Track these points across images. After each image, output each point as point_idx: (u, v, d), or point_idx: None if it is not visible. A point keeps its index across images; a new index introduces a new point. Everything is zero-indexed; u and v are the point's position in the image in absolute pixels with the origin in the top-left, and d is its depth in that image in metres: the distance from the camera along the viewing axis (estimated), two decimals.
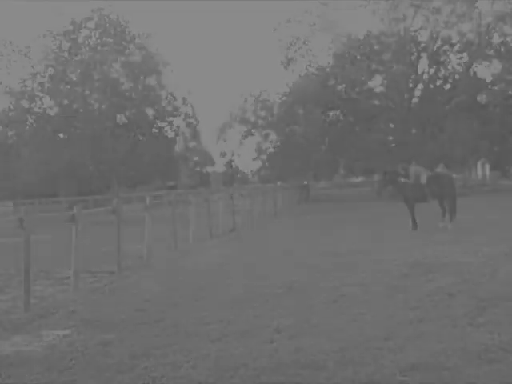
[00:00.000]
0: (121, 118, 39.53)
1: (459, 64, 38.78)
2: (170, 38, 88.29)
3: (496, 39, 37.33)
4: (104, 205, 32.74)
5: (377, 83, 40.34)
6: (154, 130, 41.29)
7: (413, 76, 37.79)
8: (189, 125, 42.80)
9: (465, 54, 38.06)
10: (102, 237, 17.46)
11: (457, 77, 38.11)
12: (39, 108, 39.03)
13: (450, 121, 35.69)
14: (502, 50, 36.63)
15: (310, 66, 41.18)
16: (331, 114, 39.85)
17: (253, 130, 41.69)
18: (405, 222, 15.05)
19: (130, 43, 38.75)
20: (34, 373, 4.71)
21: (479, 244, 10.84)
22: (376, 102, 40.73)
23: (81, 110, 38.08)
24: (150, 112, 40.60)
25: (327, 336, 5.25)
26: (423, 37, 38.74)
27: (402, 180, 14.85)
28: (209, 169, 75.90)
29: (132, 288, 8.42)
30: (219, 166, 70.08)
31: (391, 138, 39.76)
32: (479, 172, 56.70)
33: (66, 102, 38.07)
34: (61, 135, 39.43)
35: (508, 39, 36.93)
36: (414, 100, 39.59)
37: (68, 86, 37.69)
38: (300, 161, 39.43)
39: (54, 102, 38.81)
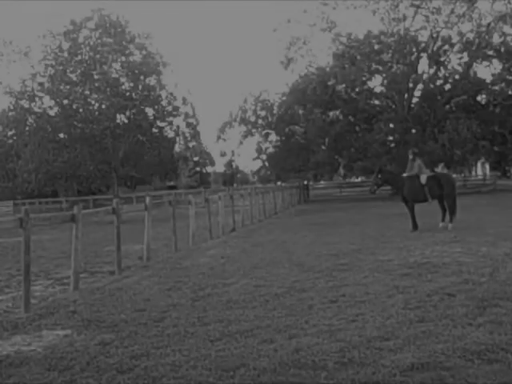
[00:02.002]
0: (121, 118, 39.51)
1: (459, 64, 38.76)
2: (170, 38, 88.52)
3: (496, 39, 37.31)
4: (104, 205, 32.79)
5: (377, 83, 40.37)
6: (154, 129, 41.25)
7: (413, 76, 37.75)
8: (189, 125, 42.75)
9: (465, 54, 38.02)
10: (102, 237, 17.48)
11: (457, 77, 38.07)
12: (39, 108, 38.99)
13: (450, 121, 35.68)
14: (502, 50, 36.58)
15: (309, 65, 41.19)
16: (331, 114, 39.80)
17: (253, 130, 41.66)
18: (405, 222, 15.06)
19: (130, 43, 38.69)
20: (33, 373, 4.71)
21: (479, 244, 10.85)
22: (376, 102, 40.72)
23: (81, 110, 38.05)
24: (150, 112, 40.57)
25: (327, 336, 5.25)
26: (423, 37, 38.77)
27: (404, 175, 14.84)
28: (209, 169, 76.03)
29: (132, 288, 8.42)
30: (219, 166, 70.15)
31: (391, 137, 39.73)
32: (479, 172, 56.72)
33: (66, 101, 38.04)
34: (61, 135, 39.39)
35: (508, 39, 36.88)
36: (414, 100, 39.58)
37: (68, 86, 37.63)
38: (300, 161, 39.40)
39: (54, 102, 38.78)
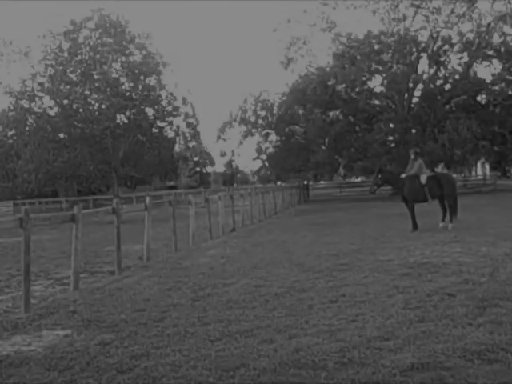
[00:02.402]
0: (121, 118, 39.51)
1: (459, 64, 38.77)
2: (170, 38, 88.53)
3: (496, 39, 37.33)
4: (104, 205, 32.80)
5: (377, 83, 40.37)
6: (154, 129, 41.26)
7: (413, 76, 37.75)
8: (189, 125, 42.76)
9: (465, 54, 38.04)
10: (102, 237, 17.48)
11: (457, 77, 38.08)
12: (39, 108, 39.00)
13: (450, 121, 35.68)
14: (502, 50, 36.60)
15: (310, 66, 41.19)
16: (331, 114, 39.81)
17: (253, 130, 41.65)
18: (405, 222, 15.05)
19: (130, 43, 38.69)
20: (34, 373, 4.71)
21: (479, 244, 10.85)
22: (376, 102, 40.73)
23: (81, 110, 38.05)
24: (150, 112, 40.58)
25: (327, 336, 5.25)
26: (423, 37, 38.78)
27: (402, 176, 14.83)
28: (209, 169, 76.03)
29: (132, 288, 8.42)
30: (219, 166, 70.15)
31: (391, 137, 39.74)
32: (479, 172, 56.72)
33: (66, 101, 38.04)
34: (61, 135, 39.39)
35: (508, 39, 36.90)
36: (414, 100, 39.59)
37: (68, 86, 37.64)
38: (300, 161, 39.40)
39: (54, 102, 38.79)
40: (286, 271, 9.08)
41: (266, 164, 43.46)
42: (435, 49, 37.93)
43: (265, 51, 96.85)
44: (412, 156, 15.11)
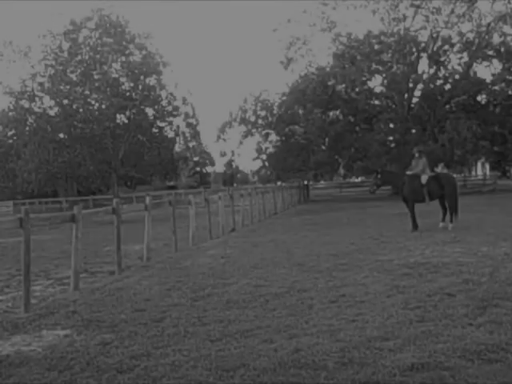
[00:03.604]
0: (121, 118, 39.50)
1: (459, 64, 38.78)
2: (170, 38, 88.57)
3: (496, 39, 37.35)
4: (104, 205, 32.81)
5: (377, 83, 40.37)
6: (153, 129, 41.26)
7: (413, 76, 37.76)
8: (189, 125, 42.75)
9: (465, 54, 38.07)
10: (102, 237, 17.48)
11: (457, 77, 38.09)
12: (39, 108, 39.00)
13: (450, 121, 35.67)
14: (502, 50, 36.62)
15: (309, 66, 41.18)
16: (331, 114, 39.78)
17: (253, 130, 41.63)
18: (405, 222, 15.05)
19: (130, 43, 38.69)
20: (34, 373, 4.72)
21: (479, 244, 10.85)
22: (376, 102, 40.72)
23: (81, 110, 38.03)
24: (150, 112, 40.57)
25: (327, 336, 5.25)
26: (423, 37, 38.78)
27: (408, 173, 14.82)
28: (209, 169, 76.03)
29: (132, 288, 8.42)
30: (219, 166, 70.07)
31: (391, 137, 39.72)
32: (479, 172, 56.72)
33: (66, 101, 38.04)
34: (61, 135, 39.40)
35: (508, 39, 36.92)
36: (414, 100, 39.59)
37: (68, 86, 37.65)
38: (300, 161, 39.39)
39: (54, 102, 38.78)
40: (286, 271, 9.08)
41: (266, 164, 43.41)
42: (435, 49, 37.92)
43: (265, 51, 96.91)
44: (416, 155, 15.12)
